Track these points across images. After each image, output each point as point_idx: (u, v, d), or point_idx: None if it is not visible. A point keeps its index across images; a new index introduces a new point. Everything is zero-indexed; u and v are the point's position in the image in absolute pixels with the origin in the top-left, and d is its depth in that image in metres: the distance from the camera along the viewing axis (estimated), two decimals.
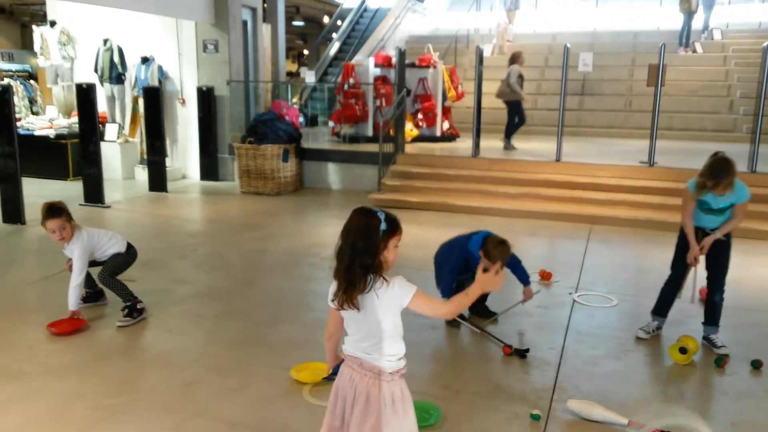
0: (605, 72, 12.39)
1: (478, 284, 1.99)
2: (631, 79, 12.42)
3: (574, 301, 4.53)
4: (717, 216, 3.64)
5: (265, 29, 12.12)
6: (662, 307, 3.92)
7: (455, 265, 3.92)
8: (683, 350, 3.50)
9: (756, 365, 3.48)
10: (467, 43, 14.91)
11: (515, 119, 9.34)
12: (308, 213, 7.45)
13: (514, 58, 9.28)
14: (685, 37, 13.07)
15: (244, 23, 10.47)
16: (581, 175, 7.72)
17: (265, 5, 13.52)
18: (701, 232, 3.70)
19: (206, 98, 9.37)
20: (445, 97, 10.79)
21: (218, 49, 9.42)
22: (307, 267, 5.30)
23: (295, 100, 13.17)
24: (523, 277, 4.02)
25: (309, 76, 12.50)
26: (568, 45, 8.33)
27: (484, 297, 4.16)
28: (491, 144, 9.25)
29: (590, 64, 9.27)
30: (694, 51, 13.15)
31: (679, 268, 3.86)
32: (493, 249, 3.72)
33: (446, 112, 10.93)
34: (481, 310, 4.17)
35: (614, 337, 3.92)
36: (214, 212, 7.61)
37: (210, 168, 9.57)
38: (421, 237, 6.25)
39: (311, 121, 13.39)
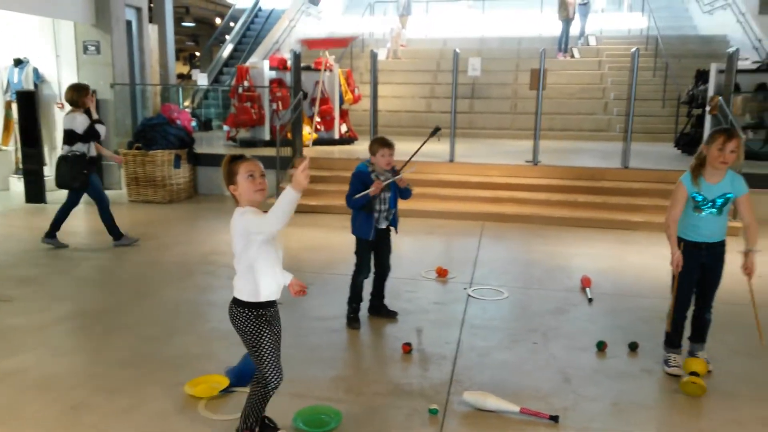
0: (493, 76, 12.98)
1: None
2: (516, 83, 13.09)
3: (469, 295, 4.71)
4: (714, 217, 3.31)
5: (151, 30, 11.61)
6: (677, 338, 3.55)
7: (354, 191, 3.93)
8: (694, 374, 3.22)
9: (633, 347, 3.77)
10: (362, 47, 15.07)
11: None
12: (203, 220, 7.22)
13: None
14: (563, 43, 13.97)
15: (129, 23, 9.98)
16: (473, 174, 8.04)
17: (152, 5, 12.95)
18: (705, 247, 3.36)
19: None
20: (342, 101, 10.84)
21: (100, 51, 8.92)
22: (203, 276, 5.13)
23: (186, 103, 12.72)
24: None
25: (201, 79, 12.13)
26: (458, 50, 8.64)
27: (381, 295, 4.25)
28: None
29: (479, 69, 9.70)
30: (572, 56, 14.09)
31: (687, 289, 3.44)
32: (372, 144, 3.95)
33: (344, 115, 11.00)
34: (380, 309, 4.24)
35: (505, 328, 4.12)
36: (100, 223, 7.16)
37: None
38: (322, 240, 6.25)
39: (205, 126, 13.00)
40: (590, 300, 4.62)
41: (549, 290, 4.89)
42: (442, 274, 5.16)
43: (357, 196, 3.89)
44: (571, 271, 5.37)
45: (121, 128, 9.15)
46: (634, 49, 8.10)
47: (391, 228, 4.15)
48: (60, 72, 9.01)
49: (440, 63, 14.04)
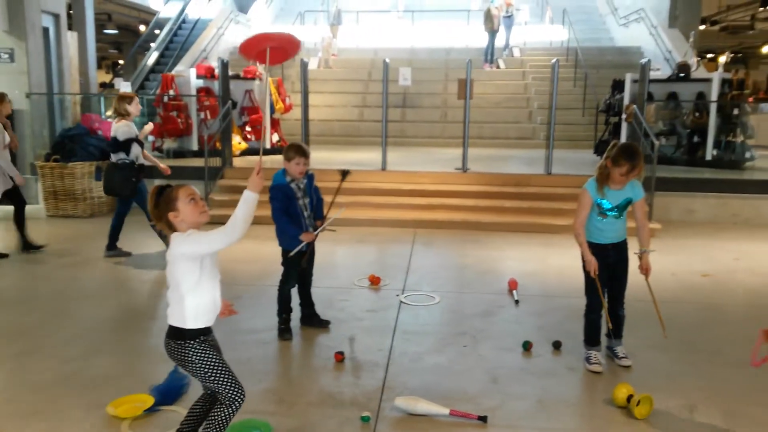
0: (423, 86, 13.21)
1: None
2: (446, 93, 13.38)
3: (401, 302, 4.76)
4: (617, 220, 3.52)
5: (70, 37, 11.14)
6: (596, 336, 3.69)
7: (279, 206, 3.95)
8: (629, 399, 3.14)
9: (557, 346, 3.91)
10: (294, 56, 14.97)
11: None
12: (128, 235, 6.92)
13: None
14: (489, 54, 14.39)
15: (46, 30, 9.54)
16: (405, 182, 8.14)
17: (71, 12, 12.44)
18: (612, 248, 3.57)
19: None
20: (273, 110, 10.74)
21: (14, 59, 8.50)
22: (127, 293, 4.95)
23: (109, 113, 12.23)
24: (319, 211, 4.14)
25: (124, 87, 11.68)
26: (387, 60, 8.74)
27: (310, 303, 4.25)
28: (319, 155, 9.38)
29: (409, 79, 9.83)
30: (498, 67, 14.53)
31: (597, 291, 3.58)
32: (287, 150, 3.95)
33: (275, 124, 10.89)
34: (312, 319, 4.23)
35: (437, 333, 4.19)
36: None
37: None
38: (255, 251, 6.15)
39: None
40: (517, 302, 4.77)
41: (478, 294, 5.01)
42: (375, 281, 5.19)
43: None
44: (499, 274, 5.52)
45: (38, 140, 8.72)
46: (554, 60, 8.44)
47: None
48: None
49: (371, 72, 14.16)
